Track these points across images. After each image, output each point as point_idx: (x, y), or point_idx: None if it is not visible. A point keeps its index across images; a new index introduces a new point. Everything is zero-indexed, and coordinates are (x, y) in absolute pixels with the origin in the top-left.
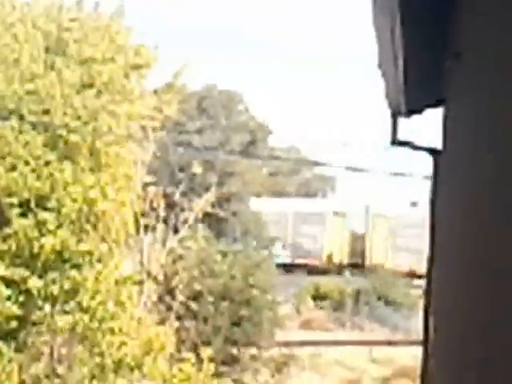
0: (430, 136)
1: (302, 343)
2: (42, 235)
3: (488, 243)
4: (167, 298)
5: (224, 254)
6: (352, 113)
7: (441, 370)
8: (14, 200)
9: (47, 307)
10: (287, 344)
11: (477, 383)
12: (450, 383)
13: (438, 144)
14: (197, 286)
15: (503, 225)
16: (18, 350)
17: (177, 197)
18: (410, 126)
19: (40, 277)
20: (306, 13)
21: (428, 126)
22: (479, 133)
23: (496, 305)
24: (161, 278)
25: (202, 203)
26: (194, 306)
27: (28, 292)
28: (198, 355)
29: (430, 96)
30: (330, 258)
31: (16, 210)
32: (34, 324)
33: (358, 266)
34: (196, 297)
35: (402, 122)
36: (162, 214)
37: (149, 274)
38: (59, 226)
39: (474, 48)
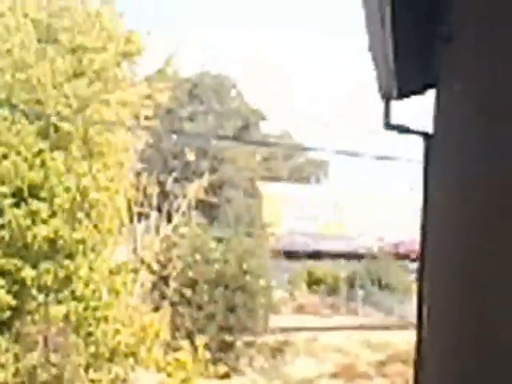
0: (422, 119)
1: (297, 329)
2: (35, 225)
3: (482, 228)
4: (161, 286)
5: (218, 241)
6: (345, 95)
7: (433, 355)
8: (7, 190)
9: (41, 297)
10: (282, 330)
11: (472, 367)
12: (443, 368)
13: (429, 128)
14: (191, 273)
15: (493, 207)
16: (12, 340)
17: (170, 184)
18: (402, 110)
19: (33, 266)
20: None
21: (420, 110)
22: (470, 116)
23: (489, 290)
24: (155, 265)
25: (195, 189)
26: (188, 293)
27: (22, 282)
28: (192, 343)
29: (421, 79)
30: None
31: (8, 200)
32: (29, 314)
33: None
34: (190, 284)
35: (395, 105)
36: (156, 201)
37: (143, 262)
38: (52, 216)
39: (463, 32)
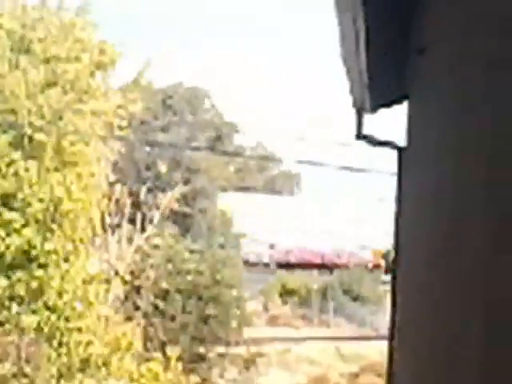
0: (395, 132)
1: (270, 340)
2: (8, 234)
3: (450, 240)
4: (134, 297)
5: (191, 252)
6: (316, 108)
7: (405, 367)
8: None
9: (14, 307)
10: (255, 341)
11: (443, 379)
12: (415, 379)
13: (402, 140)
14: (164, 284)
15: (463, 221)
16: None
17: (143, 195)
18: (374, 122)
19: (6, 276)
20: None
21: (392, 122)
22: (442, 129)
23: (461, 301)
24: (128, 276)
25: (168, 200)
26: (161, 303)
27: None
28: (165, 353)
29: (394, 92)
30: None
31: None
32: (1, 324)
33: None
34: (163, 295)
35: (367, 117)
36: (128, 212)
37: (116, 273)
38: (25, 226)
39: (436, 44)
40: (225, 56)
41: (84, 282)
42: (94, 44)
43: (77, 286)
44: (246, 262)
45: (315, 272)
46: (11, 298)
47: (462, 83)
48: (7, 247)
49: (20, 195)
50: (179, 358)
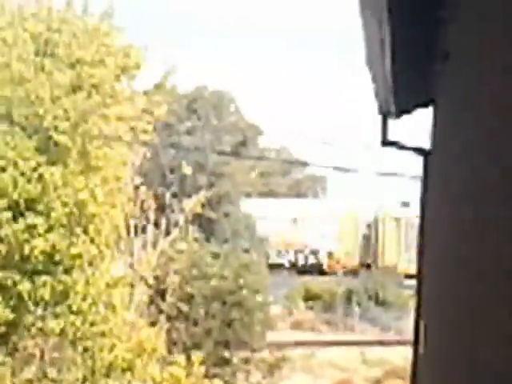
0: (420, 136)
1: (294, 344)
2: (33, 238)
3: (476, 245)
4: (158, 301)
5: (215, 256)
6: (343, 112)
7: (430, 372)
8: (4, 203)
9: (38, 311)
10: (279, 345)
11: None
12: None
13: (427, 144)
14: (188, 288)
15: (489, 225)
16: (9, 354)
17: (167, 198)
18: (400, 127)
19: (31, 280)
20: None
21: (418, 127)
22: (469, 133)
23: (485, 306)
24: (152, 280)
25: (192, 204)
26: (185, 308)
27: (19, 296)
28: (189, 358)
29: (419, 96)
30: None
31: (6, 214)
32: (25, 327)
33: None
34: (187, 299)
35: (392, 122)
36: (153, 216)
37: (140, 277)
38: (49, 230)
39: (461, 49)
40: (249, 59)
41: (108, 285)
42: (119, 48)
43: (101, 290)
44: (270, 266)
45: (339, 276)
46: (36, 302)
47: (487, 87)
48: (32, 251)
49: (45, 199)
50: (202, 363)
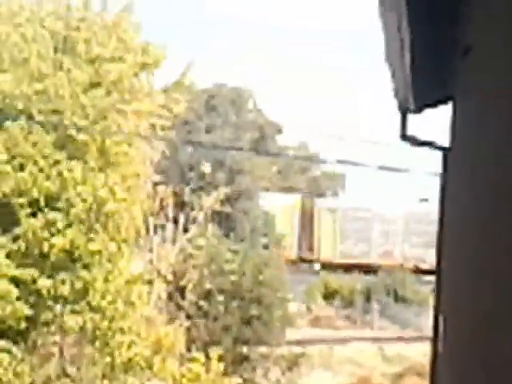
0: (439, 133)
1: (313, 341)
2: (52, 235)
3: (493, 243)
4: (177, 297)
5: (234, 252)
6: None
7: (449, 368)
8: (24, 200)
9: (57, 307)
10: (298, 342)
11: (485, 383)
12: (459, 380)
13: (446, 141)
14: (207, 285)
15: (505, 224)
16: (28, 351)
17: (186, 195)
18: (418, 123)
19: (50, 277)
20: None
21: (437, 123)
22: (486, 130)
23: (502, 304)
24: (170, 277)
25: (211, 201)
26: (204, 304)
27: (38, 292)
28: (207, 354)
29: (438, 93)
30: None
31: (25, 210)
32: (45, 324)
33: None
34: (206, 295)
35: (411, 118)
36: (172, 212)
37: (159, 273)
38: (68, 226)
39: (481, 45)
40: (267, 56)
41: (127, 282)
42: (138, 45)
43: (120, 287)
44: (290, 263)
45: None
46: (55, 299)
47: (507, 85)
48: (51, 247)
49: (64, 196)
50: (221, 359)
